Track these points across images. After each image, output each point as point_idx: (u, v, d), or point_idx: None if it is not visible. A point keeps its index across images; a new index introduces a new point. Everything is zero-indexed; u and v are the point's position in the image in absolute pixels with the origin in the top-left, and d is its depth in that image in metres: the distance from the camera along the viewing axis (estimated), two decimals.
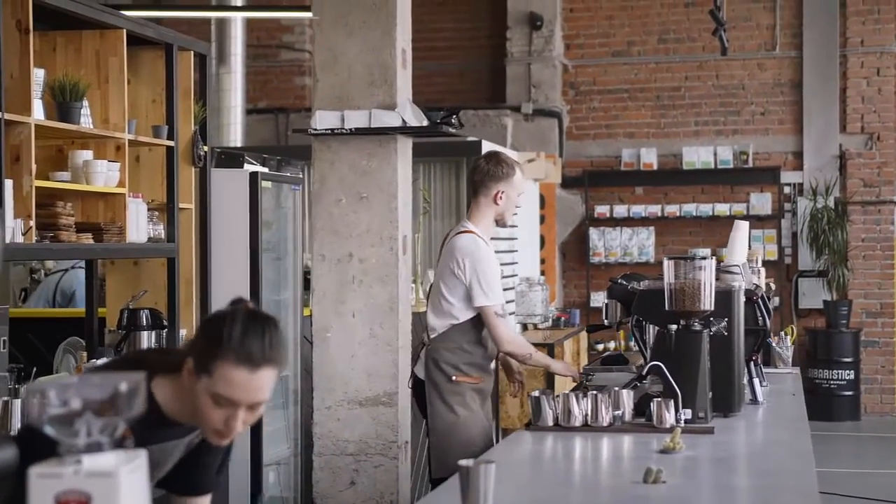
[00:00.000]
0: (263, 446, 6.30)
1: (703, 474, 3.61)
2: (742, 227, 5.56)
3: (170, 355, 2.78)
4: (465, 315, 5.07)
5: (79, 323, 5.89)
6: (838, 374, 12.25)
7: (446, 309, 5.08)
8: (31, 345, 6.41)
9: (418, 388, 5.22)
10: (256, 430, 6.21)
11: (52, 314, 7.06)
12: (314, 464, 5.72)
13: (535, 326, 10.33)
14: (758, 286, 5.63)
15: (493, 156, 5.32)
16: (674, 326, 4.40)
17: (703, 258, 4.45)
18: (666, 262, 4.45)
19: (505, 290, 9.08)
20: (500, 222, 5.23)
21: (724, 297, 4.56)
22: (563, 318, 10.81)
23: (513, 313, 9.83)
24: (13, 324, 6.59)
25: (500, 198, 5.13)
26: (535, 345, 8.95)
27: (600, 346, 11.96)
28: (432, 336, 5.11)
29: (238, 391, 2.51)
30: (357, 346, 5.62)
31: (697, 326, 4.41)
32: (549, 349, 9.15)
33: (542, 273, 12.12)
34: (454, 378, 5.06)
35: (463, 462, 2.74)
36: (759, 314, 5.05)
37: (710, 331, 4.46)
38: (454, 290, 5.05)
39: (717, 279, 5.03)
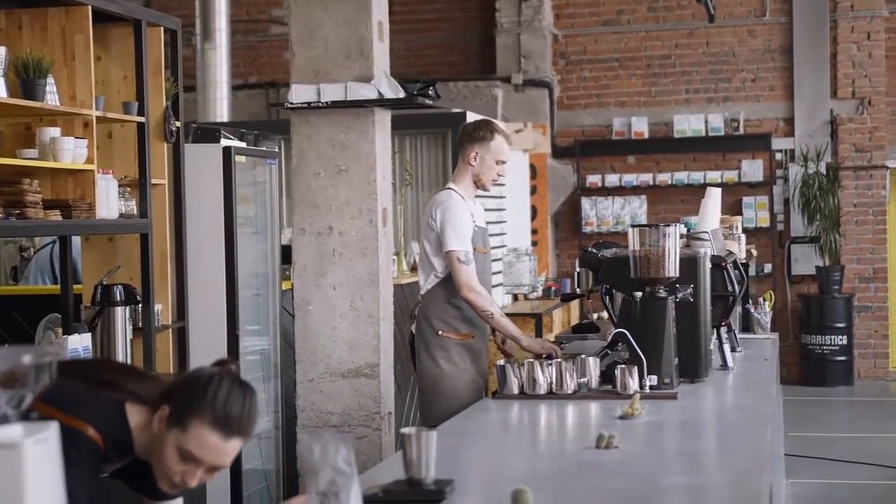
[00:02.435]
0: None
1: (656, 439, 3.64)
2: (714, 194, 5.57)
3: (142, 382, 2.79)
4: (443, 267, 5.22)
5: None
6: (831, 339, 12.26)
7: (429, 263, 5.26)
8: (16, 322, 6.45)
9: (413, 344, 5.39)
10: None
11: (36, 291, 7.08)
12: (298, 436, 5.75)
13: (525, 297, 10.35)
14: (731, 252, 5.65)
15: (478, 121, 5.58)
16: (639, 294, 4.42)
17: (668, 225, 4.45)
18: (630, 230, 4.47)
19: (493, 260, 9.16)
20: (478, 185, 5.35)
21: (690, 263, 4.58)
22: (553, 288, 10.82)
23: (500, 284, 9.84)
24: None
25: (475, 159, 5.29)
26: (524, 315, 9.09)
27: (594, 315, 11.96)
28: (422, 293, 5.30)
29: (207, 453, 2.60)
30: (338, 319, 5.64)
31: (662, 293, 4.43)
32: (537, 319, 9.18)
33: (535, 243, 12.13)
34: (440, 332, 5.21)
35: (405, 430, 2.76)
36: (728, 281, 5.05)
37: (676, 297, 4.48)
38: (432, 241, 5.23)
39: (686, 246, 5.06)
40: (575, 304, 11.02)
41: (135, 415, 2.70)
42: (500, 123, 6.44)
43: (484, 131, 5.33)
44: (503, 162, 5.36)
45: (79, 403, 2.62)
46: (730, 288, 5.06)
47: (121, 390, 2.73)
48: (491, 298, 5.28)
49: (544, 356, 4.89)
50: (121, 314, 5.42)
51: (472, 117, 9.73)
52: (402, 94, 5.60)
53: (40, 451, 1.75)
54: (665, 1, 12.97)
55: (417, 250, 8.57)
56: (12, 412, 1.75)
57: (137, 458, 2.80)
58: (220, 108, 10.93)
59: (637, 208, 12.88)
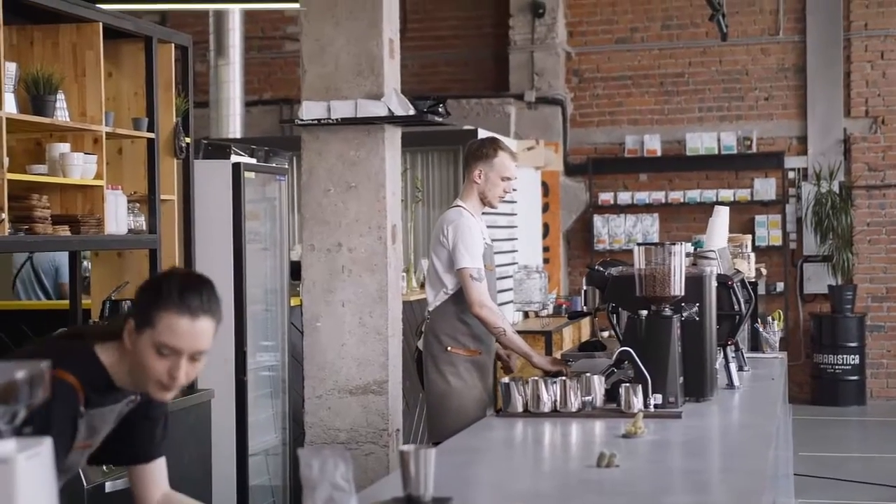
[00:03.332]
0: (250, 435, 6.36)
1: (658, 458, 3.63)
2: (721, 213, 5.57)
3: (107, 327, 2.94)
4: (453, 284, 5.27)
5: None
6: (844, 358, 12.22)
7: (438, 280, 5.31)
8: (24, 336, 6.47)
9: (420, 360, 5.44)
10: (241, 420, 6.26)
11: (45, 306, 7.11)
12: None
13: (536, 314, 10.34)
14: (739, 271, 5.64)
15: (482, 138, 5.65)
16: (644, 312, 4.42)
17: (673, 244, 4.46)
18: (636, 249, 4.47)
19: (503, 277, 9.16)
20: (484, 202, 5.41)
21: (696, 282, 4.57)
22: (564, 306, 10.81)
23: (511, 301, 9.84)
24: (7, 316, 6.68)
25: (480, 176, 5.36)
26: (534, 332, 9.08)
27: (605, 333, 11.93)
28: (430, 309, 5.35)
29: (181, 339, 2.70)
30: (347, 335, 5.64)
31: (668, 312, 4.42)
32: (547, 337, 9.17)
33: (547, 261, 12.13)
34: (448, 348, 5.26)
35: (403, 447, 2.77)
36: (734, 299, 5.05)
37: (681, 316, 4.47)
38: (442, 259, 5.28)
39: (693, 265, 5.06)
40: (586, 321, 11.00)
41: (105, 353, 2.80)
42: (506, 140, 6.46)
43: (487, 149, 5.40)
44: (508, 179, 5.40)
45: (54, 357, 2.68)
46: (736, 307, 5.05)
47: (88, 337, 2.85)
48: (503, 315, 5.33)
49: (552, 373, 4.92)
50: None
51: (483, 134, 9.74)
52: (411, 112, 5.62)
53: (33, 466, 1.76)
54: (678, 19, 12.99)
55: (427, 267, 8.60)
56: (5, 427, 1.77)
57: (115, 430, 2.90)
58: (234, 124, 10.98)
59: (649, 226, 12.86)
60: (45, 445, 1.82)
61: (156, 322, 2.69)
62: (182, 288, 2.72)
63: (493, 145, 5.42)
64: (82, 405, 2.74)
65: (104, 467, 4.45)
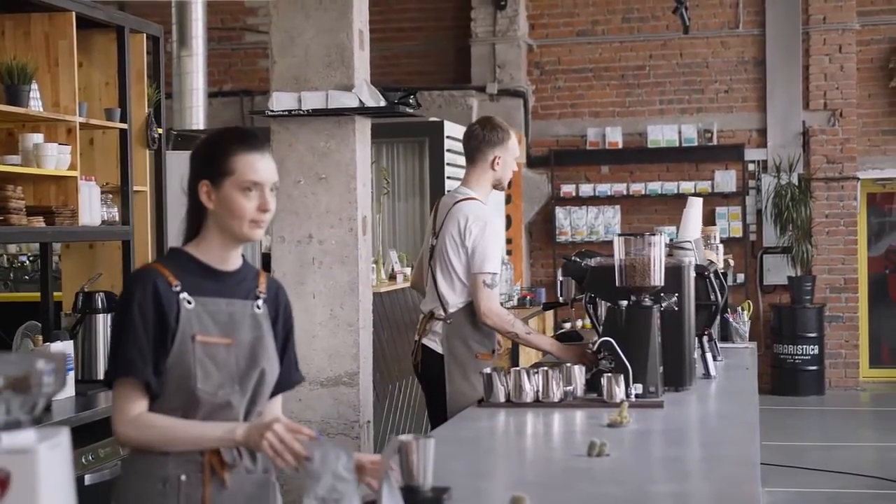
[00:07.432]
0: None
1: (646, 447, 3.65)
2: (695, 204, 5.60)
3: (187, 232, 3.03)
4: None
5: (38, 307, 5.86)
6: (803, 349, 12.35)
7: (459, 281, 4.94)
8: None
9: (429, 360, 5.05)
10: None
11: (15, 299, 7.04)
12: None
13: (502, 305, 10.35)
14: (712, 262, 5.68)
15: (488, 121, 5.19)
16: (624, 302, 4.44)
17: (653, 234, 4.48)
18: (616, 239, 4.49)
19: None
20: (498, 187, 5.13)
21: (675, 272, 4.60)
22: (528, 298, 10.85)
23: None
24: None
25: (497, 163, 5.04)
26: None
27: (568, 325, 12.00)
28: (451, 311, 4.96)
29: (260, 172, 2.91)
30: (318, 327, 5.64)
31: (647, 302, 4.45)
32: None
33: (510, 252, 12.16)
34: (478, 355, 4.97)
35: (402, 437, 2.76)
36: (710, 290, 5.08)
37: (661, 306, 4.50)
38: (462, 259, 4.93)
39: (669, 255, 5.09)
40: (549, 313, 11.03)
41: (194, 247, 2.95)
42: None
43: (500, 133, 5.05)
44: (518, 158, 5.21)
45: None
46: (713, 297, 5.09)
47: (182, 244, 3.01)
48: (511, 318, 5.04)
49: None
50: (102, 322, 5.38)
51: (448, 127, 9.74)
52: (383, 103, 5.60)
53: (54, 457, 1.75)
54: (639, 12, 13.05)
55: (395, 258, 8.58)
56: (25, 417, 1.75)
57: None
58: (197, 115, 10.89)
59: (611, 218, 12.93)
60: (65, 435, 1.80)
61: (234, 168, 2.87)
62: (240, 134, 2.95)
63: (501, 127, 5.07)
64: (176, 287, 2.85)
65: (83, 459, 4.40)
